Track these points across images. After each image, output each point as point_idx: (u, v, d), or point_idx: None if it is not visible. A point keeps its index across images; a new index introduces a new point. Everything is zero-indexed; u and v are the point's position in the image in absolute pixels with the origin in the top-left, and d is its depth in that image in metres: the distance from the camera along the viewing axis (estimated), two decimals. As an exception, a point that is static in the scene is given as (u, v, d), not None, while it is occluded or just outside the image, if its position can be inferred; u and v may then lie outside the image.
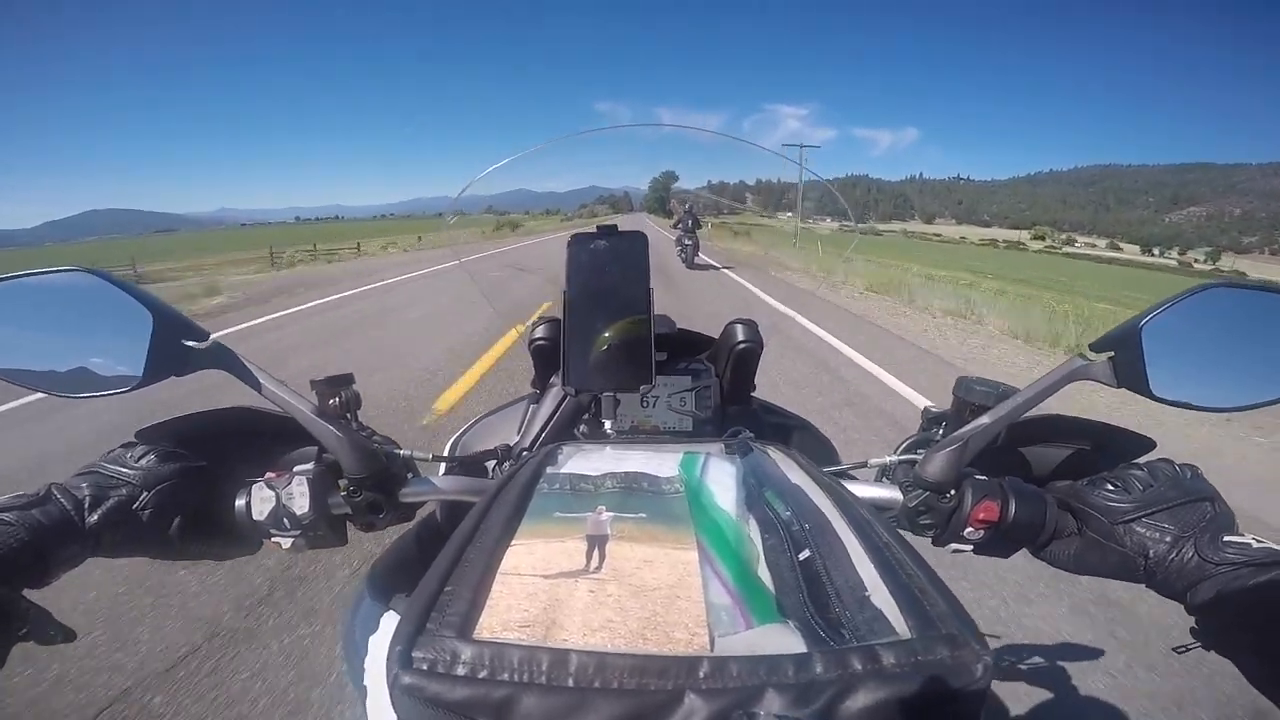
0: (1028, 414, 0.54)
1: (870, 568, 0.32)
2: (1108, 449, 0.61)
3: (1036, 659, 1.74)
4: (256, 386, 0.52)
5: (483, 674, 0.25)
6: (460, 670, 0.25)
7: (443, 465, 0.67)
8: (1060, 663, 1.72)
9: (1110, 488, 0.53)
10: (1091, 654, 1.84)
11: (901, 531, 0.58)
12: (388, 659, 0.25)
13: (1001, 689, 1.69)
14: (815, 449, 0.91)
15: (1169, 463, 0.54)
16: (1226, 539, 0.47)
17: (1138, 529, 0.51)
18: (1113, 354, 0.50)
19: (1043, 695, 1.63)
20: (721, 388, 0.89)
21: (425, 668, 0.25)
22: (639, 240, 0.63)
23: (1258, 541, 0.46)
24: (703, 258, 13.64)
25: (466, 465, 0.72)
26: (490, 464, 0.71)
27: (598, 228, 0.64)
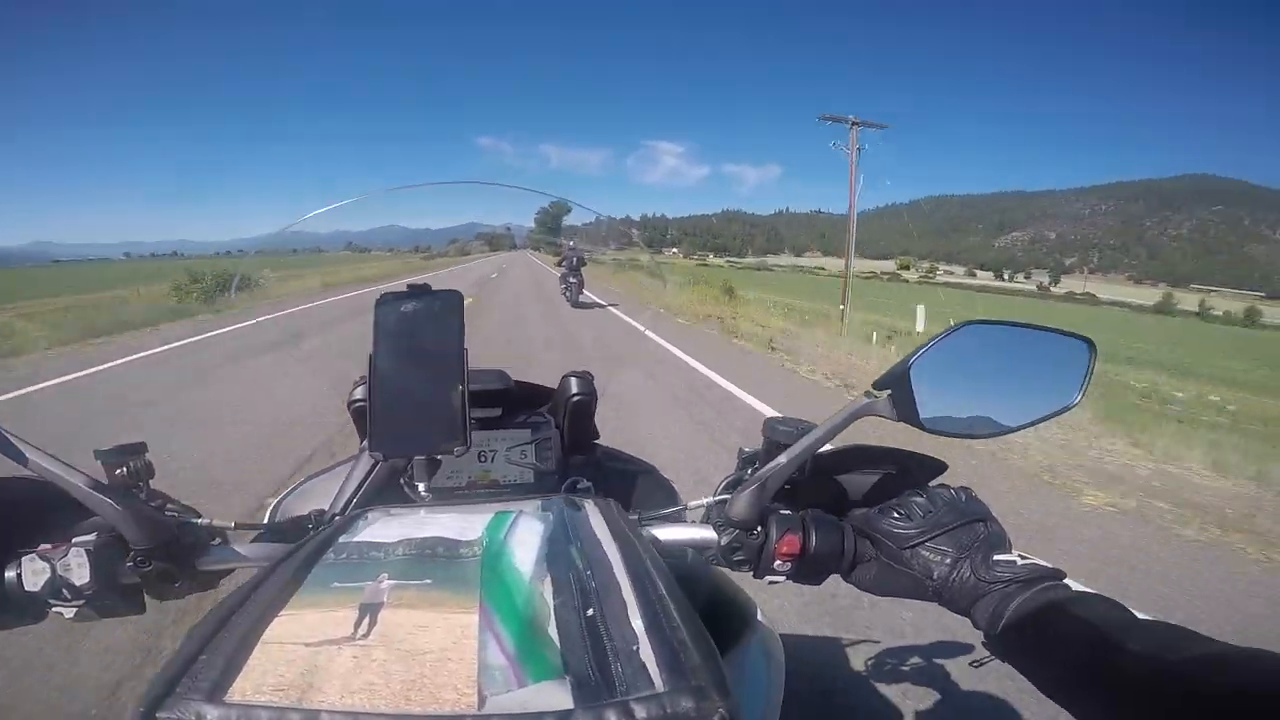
0: (833, 446, 0.58)
1: (640, 622, 0.34)
2: (905, 473, 0.65)
3: (916, 659, 1.84)
4: (20, 460, 0.48)
5: None
6: None
7: (255, 532, 0.63)
8: (938, 660, 1.81)
9: (895, 515, 0.57)
10: (963, 650, 1.95)
11: (722, 568, 0.61)
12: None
13: (886, 692, 1.77)
14: (655, 494, 0.93)
15: (946, 487, 0.59)
16: (996, 558, 0.52)
17: (922, 553, 0.55)
18: (890, 391, 0.54)
19: (927, 693, 1.73)
20: (563, 439, 0.90)
21: None
22: (454, 299, 0.62)
23: (1022, 558, 0.52)
24: (587, 294, 13.65)
25: (280, 532, 0.67)
26: (310, 528, 0.67)
27: (408, 286, 0.62)
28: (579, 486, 0.77)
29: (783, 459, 0.57)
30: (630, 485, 0.92)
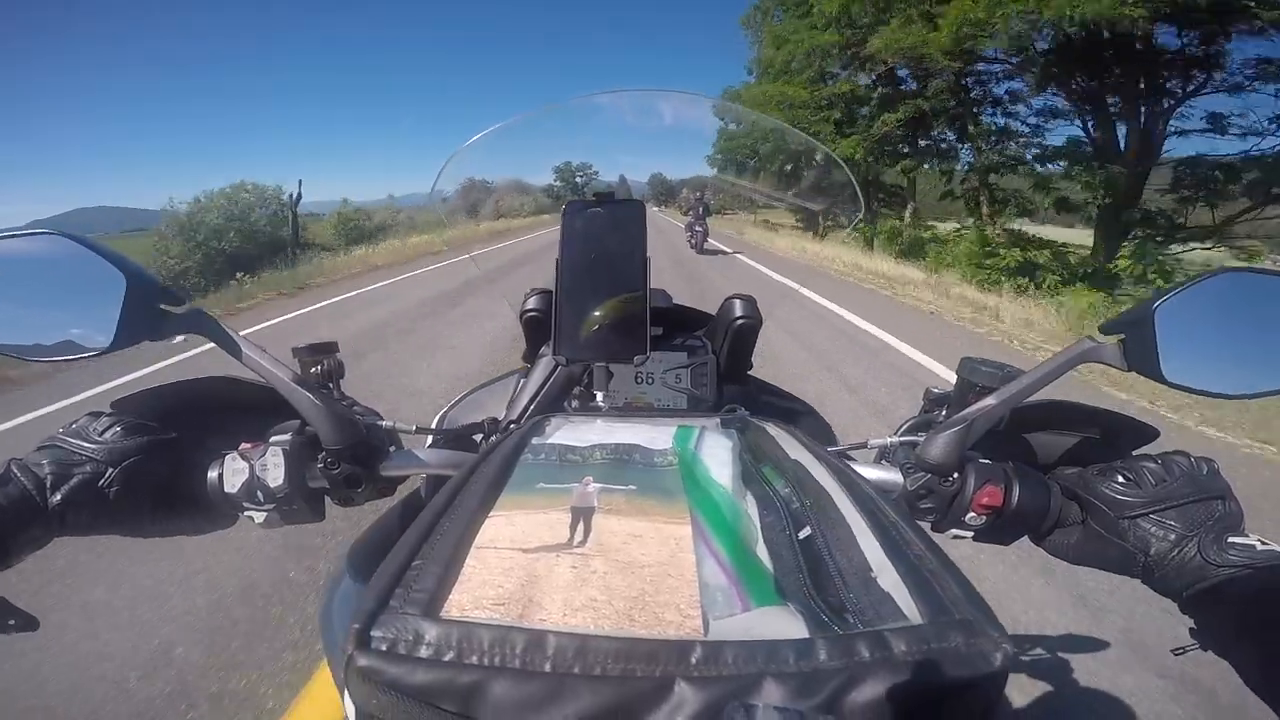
0: (1030, 399, 0.53)
1: (877, 548, 0.30)
2: (1111, 437, 0.59)
3: (1039, 651, 1.73)
4: (236, 353, 0.50)
5: (449, 656, 0.22)
6: (424, 652, 0.22)
7: (428, 439, 0.65)
8: (1062, 654, 1.71)
9: (1121, 480, 0.51)
10: (1095, 645, 1.83)
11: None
12: (345, 637, 0.23)
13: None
14: (813, 431, 0.88)
15: (1185, 456, 0.52)
16: (1231, 540, 0.46)
17: (1143, 524, 0.49)
18: (1123, 336, 0.49)
19: (1044, 688, 1.62)
20: (718, 365, 0.87)
21: (384, 649, 0.22)
22: (636, 209, 0.61)
23: (1263, 543, 0.45)
24: (712, 243, 14.02)
25: (453, 439, 0.69)
26: (478, 438, 0.69)
27: (594, 194, 0.62)
28: (739, 413, 0.75)
29: (991, 401, 0.52)
30: (786, 420, 0.88)
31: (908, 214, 19.89)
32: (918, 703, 0.22)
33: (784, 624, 0.25)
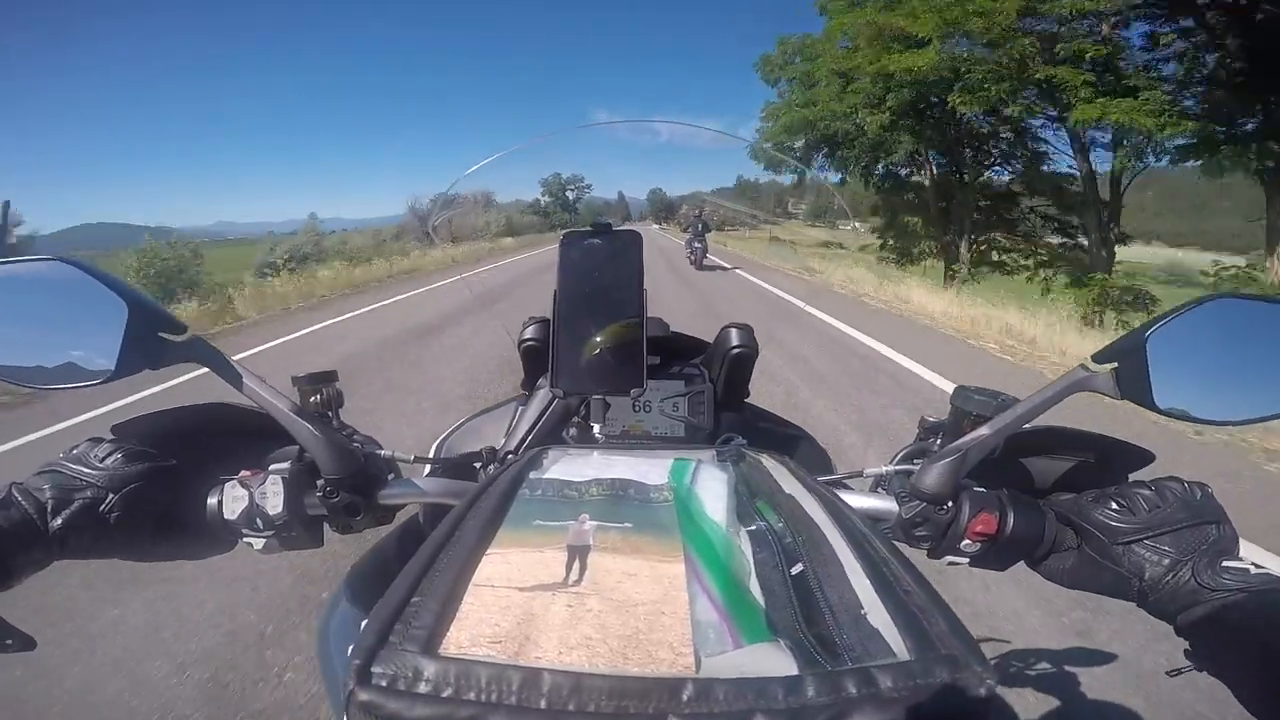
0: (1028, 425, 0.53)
1: (866, 584, 0.30)
2: (1106, 462, 0.59)
3: (1044, 665, 1.73)
4: (236, 382, 0.50)
5: (447, 693, 0.22)
6: (423, 688, 0.23)
7: (427, 467, 0.65)
8: (1069, 668, 1.71)
9: (1115, 506, 0.52)
10: (1103, 659, 1.82)
11: (897, 544, 0.57)
12: (345, 673, 0.23)
13: (1008, 695, 1.67)
14: (810, 459, 0.90)
15: (1178, 481, 0.52)
16: (1225, 564, 0.46)
17: (1137, 550, 0.50)
18: (1116, 365, 0.49)
19: (1051, 703, 1.61)
20: (715, 393, 0.87)
21: (384, 684, 0.23)
22: (634, 240, 0.62)
23: (1256, 567, 0.46)
24: (711, 258, 14.18)
25: (451, 468, 0.70)
26: (476, 466, 0.69)
27: (592, 225, 0.62)
28: (734, 443, 0.75)
29: (986, 430, 0.52)
30: (782, 448, 0.88)
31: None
32: None
33: (774, 661, 0.26)
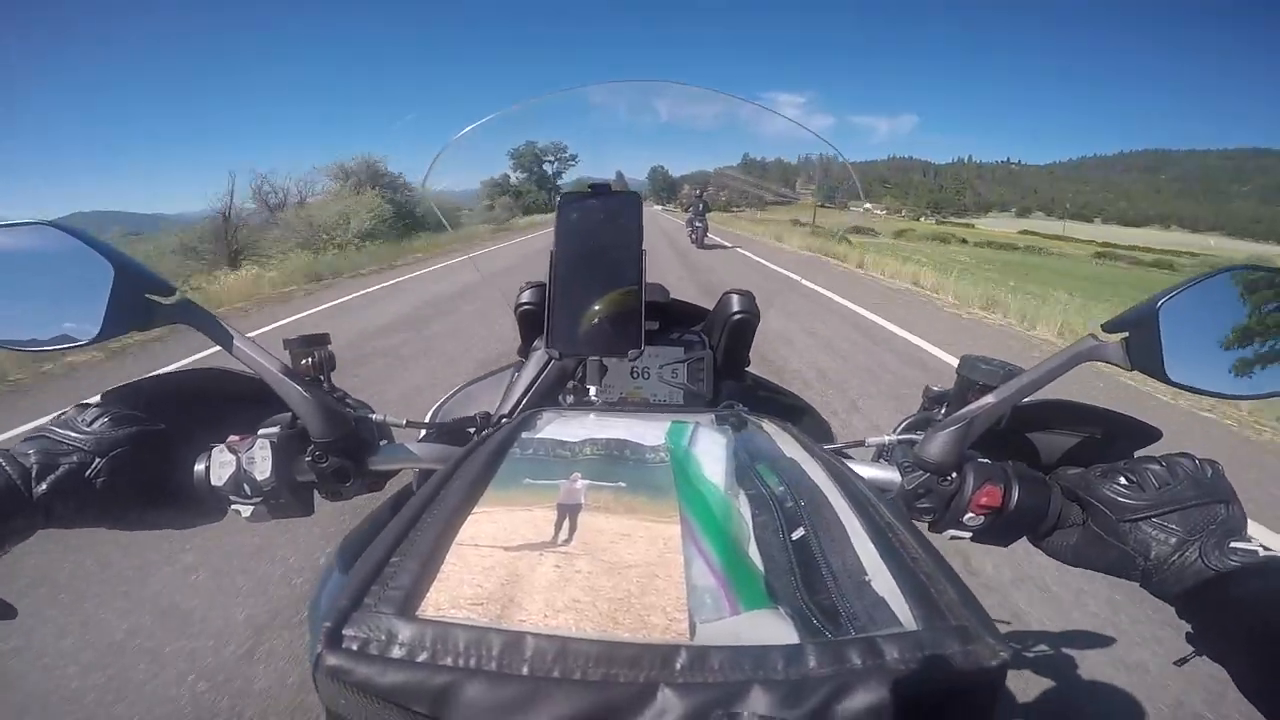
0: (1031, 397, 0.52)
1: (872, 550, 0.29)
2: (1114, 437, 0.58)
3: (1043, 647, 1.74)
4: (226, 344, 0.49)
5: (422, 657, 0.21)
6: (396, 652, 0.21)
7: (420, 432, 0.64)
8: (1068, 650, 1.71)
9: (1124, 482, 0.50)
10: (1101, 641, 1.83)
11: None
12: (315, 635, 0.22)
13: (1008, 677, 1.68)
14: (811, 429, 0.88)
15: (1189, 458, 0.51)
16: (1233, 545, 0.45)
17: (1144, 527, 0.48)
18: (1127, 335, 0.48)
19: (1049, 684, 1.62)
20: (715, 360, 0.86)
21: (355, 648, 0.22)
22: (633, 201, 0.60)
23: (1265, 548, 0.44)
24: (711, 237, 14.27)
25: (445, 433, 0.69)
26: (470, 431, 0.68)
27: (590, 186, 0.61)
28: (735, 408, 0.74)
29: (991, 399, 0.51)
30: (783, 417, 0.87)
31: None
32: (911, 711, 0.21)
33: (774, 629, 0.25)
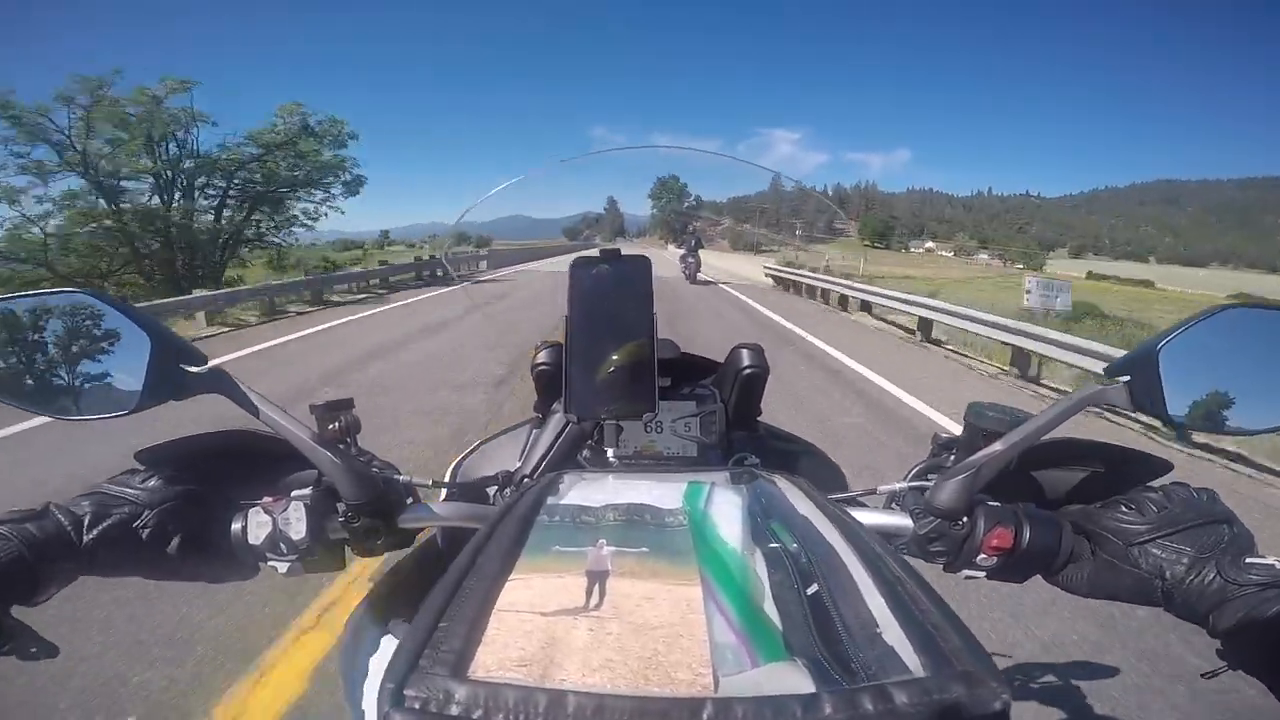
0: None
1: (881, 602, 0.31)
2: (1123, 472, 0.59)
3: (1050, 678, 1.72)
4: (254, 412, 0.52)
5: (477, 714, 0.23)
6: (454, 710, 0.24)
7: (443, 491, 0.66)
8: (1074, 682, 1.70)
9: (1124, 510, 0.52)
10: (1107, 672, 1.81)
11: (912, 560, 0.57)
12: (379, 696, 0.24)
13: (1014, 709, 1.66)
14: (823, 475, 0.90)
15: (1184, 486, 0.52)
16: (1249, 560, 0.46)
17: (1154, 550, 0.49)
18: (1129, 378, 0.49)
19: (1056, 715, 1.61)
20: (727, 413, 0.88)
21: (418, 707, 0.24)
22: (642, 264, 0.63)
23: None
24: (702, 275, 14.52)
25: (467, 491, 0.71)
26: (491, 490, 0.70)
27: (600, 252, 0.63)
28: (747, 463, 0.76)
29: (999, 446, 0.53)
30: (794, 465, 0.88)
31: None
32: None
33: (792, 680, 0.27)
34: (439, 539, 0.75)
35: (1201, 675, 0.49)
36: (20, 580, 0.44)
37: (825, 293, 13.08)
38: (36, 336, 0.49)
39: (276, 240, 18.23)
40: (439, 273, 15.84)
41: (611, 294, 0.62)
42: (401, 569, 0.73)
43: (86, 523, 0.48)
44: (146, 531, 0.50)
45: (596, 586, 0.32)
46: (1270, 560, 0.45)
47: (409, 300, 12.68)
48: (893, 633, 0.29)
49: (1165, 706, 1.76)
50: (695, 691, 0.25)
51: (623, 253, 0.63)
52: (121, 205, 15.19)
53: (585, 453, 0.74)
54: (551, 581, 0.33)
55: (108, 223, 15.07)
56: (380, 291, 14.06)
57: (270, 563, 0.55)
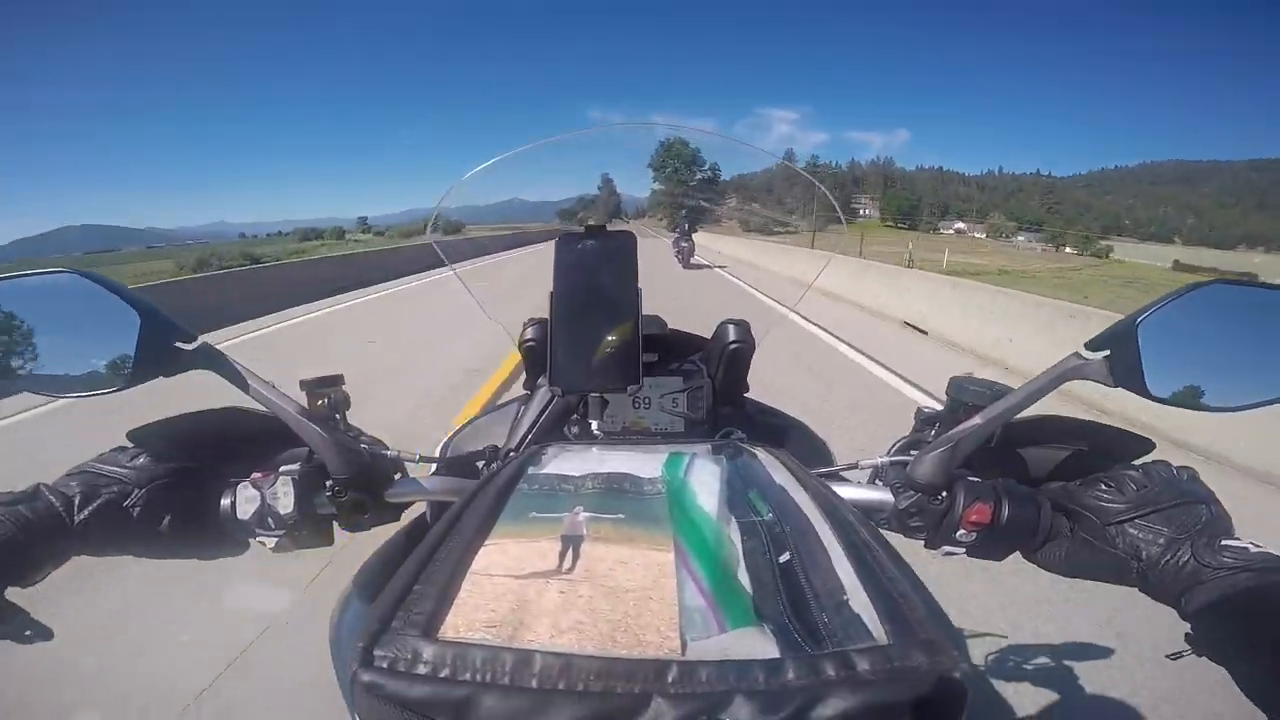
0: (1023, 414, 0.54)
1: (850, 570, 0.32)
2: (1105, 450, 0.59)
3: (1043, 659, 1.73)
4: (244, 387, 0.52)
5: (444, 673, 0.24)
6: (421, 669, 0.24)
7: (432, 466, 0.67)
8: (1067, 662, 1.71)
9: (1103, 488, 0.52)
10: (1100, 653, 1.82)
11: (892, 534, 0.58)
12: (350, 655, 0.25)
13: (1006, 689, 1.68)
14: (808, 450, 0.90)
15: (1165, 464, 0.53)
16: (1224, 543, 0.46)
17: (1130, 530, 0.50)
18: (1108, 352, 0.49)
19: (1048, 696, 1.62)
20: (714, 388, 0.88)
21: (385, 665, 0.25)
22: (628, 240, 0.63)
23: (1255, 546, 0.45)
24: (697, 258, 14.60)
25: (456, 466, 0.71)
26: (480, 465, 0.71)
27: (586, 227, 0.63)
28: (733, 437, 0.77)
29: (978, 420, 0.53)
30: (780, 440, 0.89)
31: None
32: (881, 718, 0.24)
33: (758, 645, 0.27)
34: (428, 516, 0.76)
35: (1166, 656, 0.49)
36: (13, 562, 0.45)
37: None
38: (26, 315, 0.49)
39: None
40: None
41: (597, 268, 0.62)
42: (391, 546, 0.74)
43: (77, 503, 0.49)
44: (137, 510, 0.51)
45: (570, 551, 0.33)
46: (1245, 543, 0.45)
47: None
48: (859, 600, 0.30)
49: (1159, 689, 1.77)
50: (662, 654, 0.26)
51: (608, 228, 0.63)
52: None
53: (572, 428, 0.74)
54: (526, 546, 0.33)
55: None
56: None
57: (259, 538, 0.55)
